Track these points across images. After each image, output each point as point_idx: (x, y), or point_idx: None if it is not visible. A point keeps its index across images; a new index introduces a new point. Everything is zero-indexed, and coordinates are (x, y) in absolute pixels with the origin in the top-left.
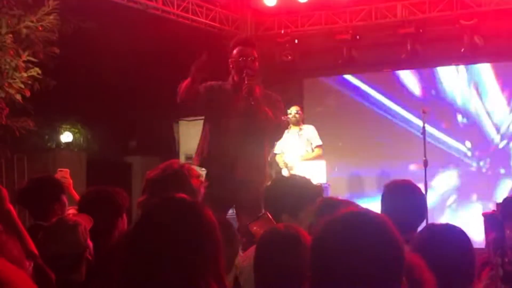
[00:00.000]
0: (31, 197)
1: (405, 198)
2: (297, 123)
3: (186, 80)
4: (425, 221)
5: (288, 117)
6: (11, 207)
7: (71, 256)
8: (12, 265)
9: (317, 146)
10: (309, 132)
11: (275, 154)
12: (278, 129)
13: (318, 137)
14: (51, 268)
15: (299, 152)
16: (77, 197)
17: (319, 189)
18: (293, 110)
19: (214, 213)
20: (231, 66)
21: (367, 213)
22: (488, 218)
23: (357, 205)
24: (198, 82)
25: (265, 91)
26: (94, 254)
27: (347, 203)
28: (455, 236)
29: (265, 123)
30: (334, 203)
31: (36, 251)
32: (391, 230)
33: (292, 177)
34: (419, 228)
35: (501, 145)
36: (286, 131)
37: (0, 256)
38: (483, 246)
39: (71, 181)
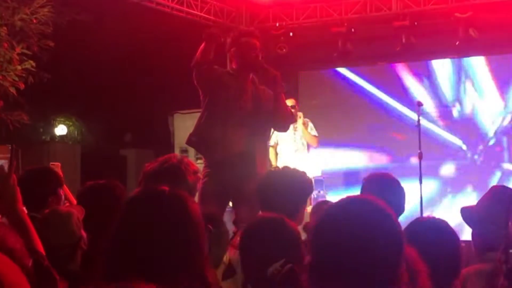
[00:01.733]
0: (26, 188)
1: (383, 190)
2: None
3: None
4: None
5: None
6: (23, 207)
7: (67, 246)
8: (5, 256)
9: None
10: (305, 134)
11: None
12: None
13: (313, 128)
14: (48, 259)
15: (294, 146)
16: (67, 191)
17: (311, 183)
18: (288, 104)
19: (213, 204)
20: (234, 54)
21: (367, 199)
22: (465, 212)
23: None
24: (213, 43)
25: (261, 86)
26: (93, 245)
27: None
28: (441, 230)
29: (286, 115)
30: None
31: (41, 250)
32: (391, 216)
33: (285, 171)
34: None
35: (495, 138)
36: None
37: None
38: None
39: (61, 175)
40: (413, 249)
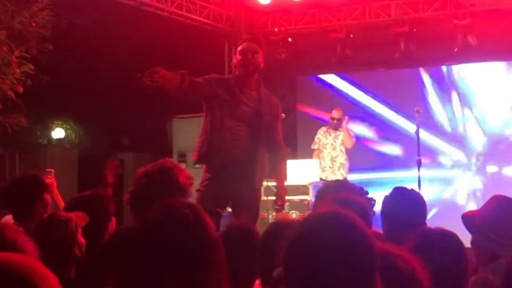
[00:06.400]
0: (11, 196)
1: (409, 203)
2: (336, 128)
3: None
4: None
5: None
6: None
7: (58, 251)
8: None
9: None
10: (344, 133)
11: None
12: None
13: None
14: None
15: (333, 153)
16: (59, 198)
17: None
18: (335, 115)
19: (211, 207)
20: (234, 62)
21: (338, 213)
22: (467, 220)
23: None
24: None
25: (267, 91)
26: (86, 254)
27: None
28: (449, 241)
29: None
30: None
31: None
32: (364, 231)
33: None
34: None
35: (493, 144)
36: (324, 134)
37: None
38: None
39: (54, 182)
40: (418, 261)
